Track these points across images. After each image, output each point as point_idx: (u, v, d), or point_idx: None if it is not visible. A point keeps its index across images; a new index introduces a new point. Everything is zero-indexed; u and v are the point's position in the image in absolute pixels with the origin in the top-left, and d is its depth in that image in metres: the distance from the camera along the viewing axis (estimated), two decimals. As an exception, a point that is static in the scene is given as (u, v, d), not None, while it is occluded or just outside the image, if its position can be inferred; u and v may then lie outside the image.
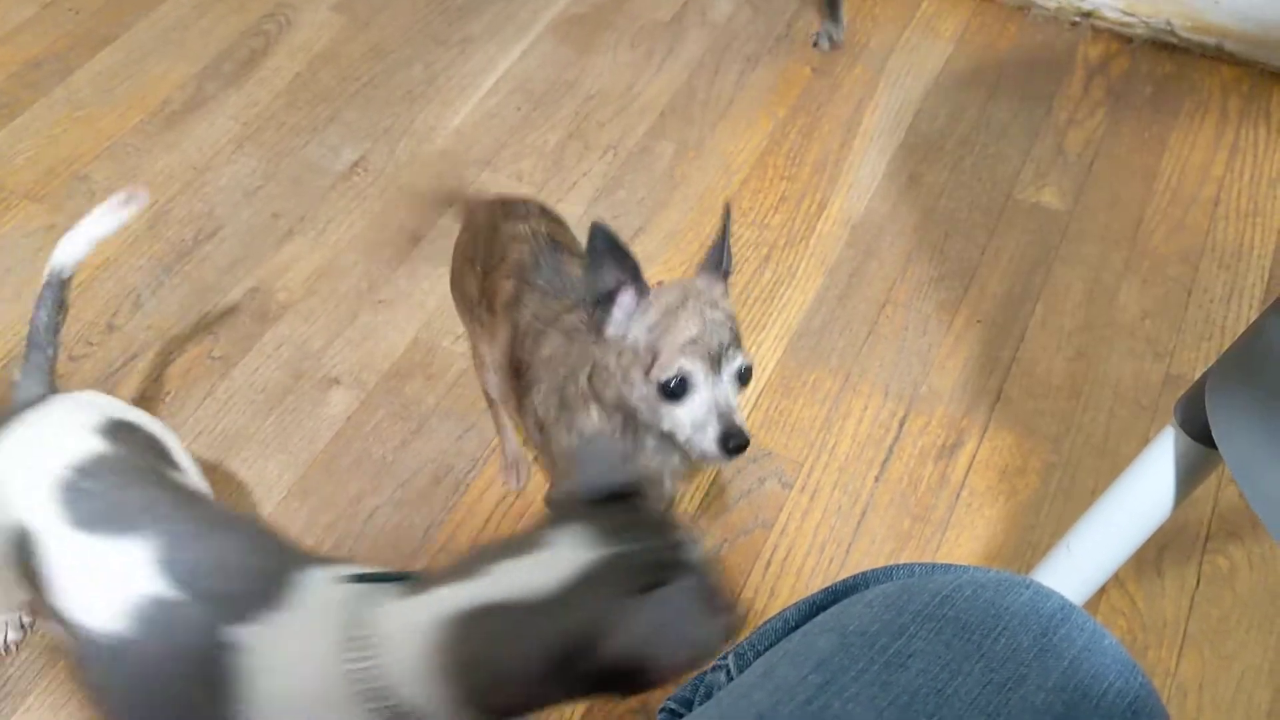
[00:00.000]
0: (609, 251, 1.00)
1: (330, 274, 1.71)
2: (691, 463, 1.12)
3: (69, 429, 1.01)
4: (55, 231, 1.75)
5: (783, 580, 1.38)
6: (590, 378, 1.09)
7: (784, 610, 0.61)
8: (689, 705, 0.64)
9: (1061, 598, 0.55)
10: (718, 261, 1.06)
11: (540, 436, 1.21)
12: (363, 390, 1.58)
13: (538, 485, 1.48)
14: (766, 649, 0.59)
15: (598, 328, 1.05)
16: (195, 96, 1.98)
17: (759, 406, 1.56)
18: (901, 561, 1.39)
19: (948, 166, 1.88)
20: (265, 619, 0.78)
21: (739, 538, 1.43)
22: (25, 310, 1.64)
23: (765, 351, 1.63)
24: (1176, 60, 2.05)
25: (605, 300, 1.03)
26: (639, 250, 1.72)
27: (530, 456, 1.50)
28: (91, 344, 1.62)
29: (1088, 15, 2.11)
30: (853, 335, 1.64)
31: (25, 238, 1.75)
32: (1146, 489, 0.84)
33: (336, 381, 1.58)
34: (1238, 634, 1.34)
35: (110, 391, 1.56)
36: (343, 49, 2.06)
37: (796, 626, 0.58)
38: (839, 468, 1.49)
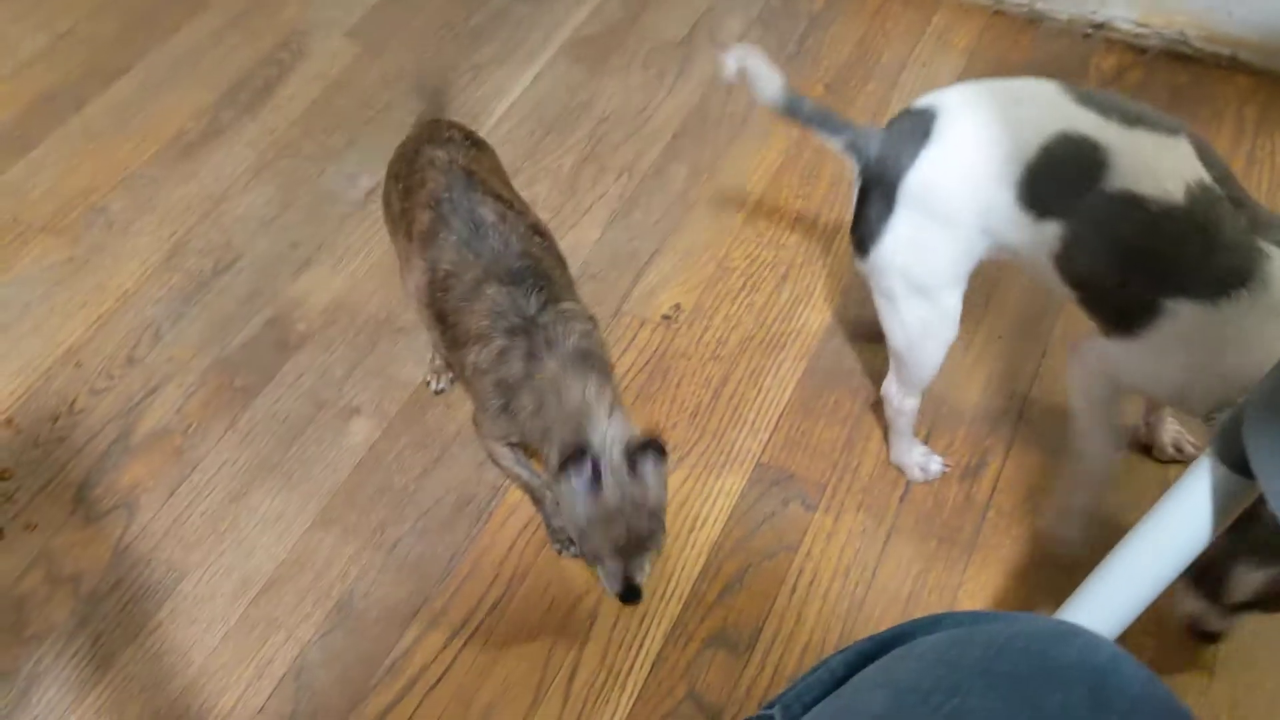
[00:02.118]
0: (582, 462, 1.19)
1: (349, 303, 1.71)
2: None
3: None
4: (73, 264, 1.77)
5: (809, 605, 1.38)
6: (541, 438, 1.28)
7: (829, 659, 0.61)
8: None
9: (1112, 646, 0.54)
10: (661, 450, 1.23)
11: (471, 382, 1.34)
12: (384, 419, 1.58)
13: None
14: (813, 701, 0.58)
15: (558, 474, 1.22)
16: (211, 126, 1.99)
17: (780, 428, 1.56)
18: (931, 579, 1.39)
19: (963, 182, 1.87)
20: None
21: (763, 562, 1.42)
22: (45, 344, 1.66)
23: (785, 372, 1.62)
24: (1191, 71, 2.05)
25: (567, 465, 1.20)
26: (654, 273, 1.74)
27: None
28: (112, 377, 1.62)
29: (1100, 27, 2.11)
30: (873, 354, 1.64)
31: (43, 271, 1.76)
32: (1183, 520, 0.83)
33: (357, 411, 1.58)
34: (1269, 652, 1.33)
35: (132, 425, 1.57)
36: (357, 76, 2.07)
37: (844, 677, 0.58)
38: (863, 489, 1.49)
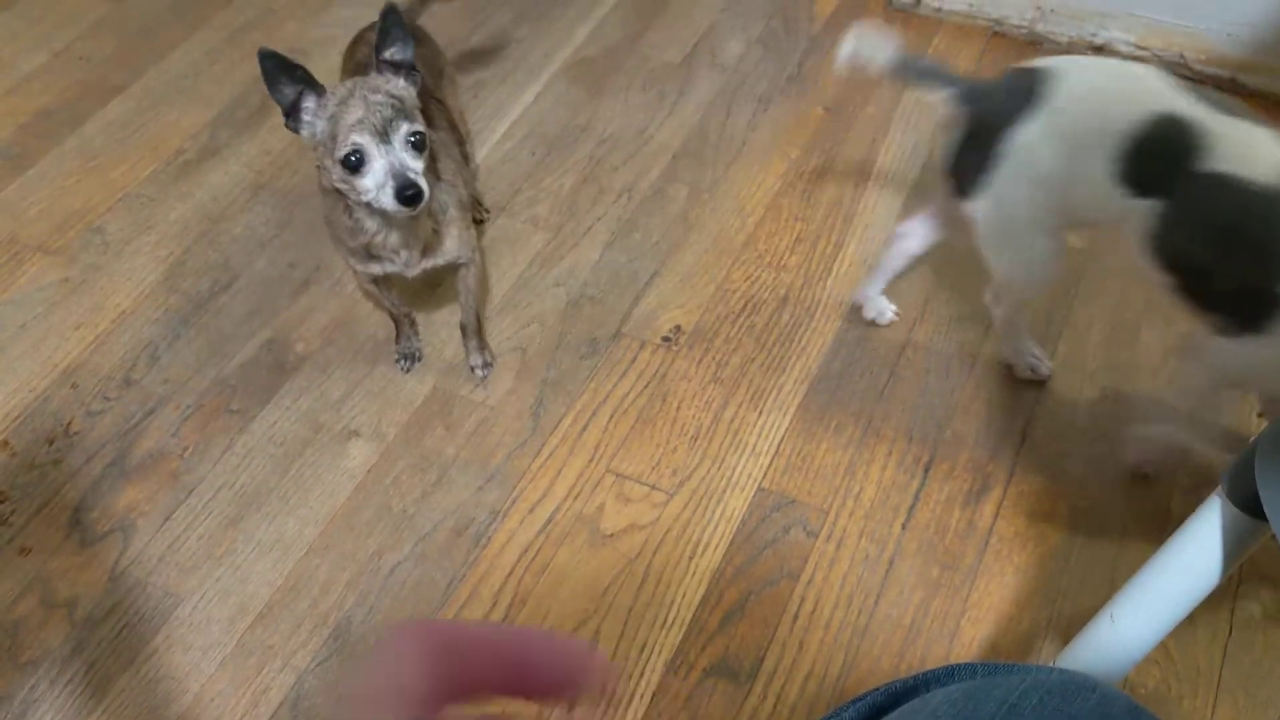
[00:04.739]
0: (279, 69, 1.22)
1: (347, 324, 1.70)
2: (407, 231, 1.38)
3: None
4: (70, 284, 1.75)
5: (811, 634, 1.37)
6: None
7: (841, 710, 0.60)
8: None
9: (1128, 699, 0.53)
10: (379, 49, 1.29)
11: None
12: (382, 442, 1.57)
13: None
14: (827, 755, 0.57)
15: (299, 135, 1.27)
16: (208, 145, 1.98)
17: (781, 452, 1.55)
18: (934, 607, 1.38)
19: (964, 205, 1.87)
20: None
21: (765, 589, 1.41)
22: (42, 366, 1.65)
23: (785, 395, 1.62)
24: (1190, 93, 2.05)
25: (294, 111, 1.25)
26: (654, 295, 1.73)
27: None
28: (109, 399, 1.61)
29: (1100, 49, 2.11)
30: (873, 378, 1.63)
31: (39, 291, 1.75)
32: (1192, 560, 0.83)
33: (356, 433, 1.57)
34: (1272, 680, 1.32)
35: (128, 447, 1.55)
36: (355, 95, 2.06)
37: (858, 730, 0.57)
38: (864, 515, 1.48)
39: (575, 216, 1.86)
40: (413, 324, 1.63)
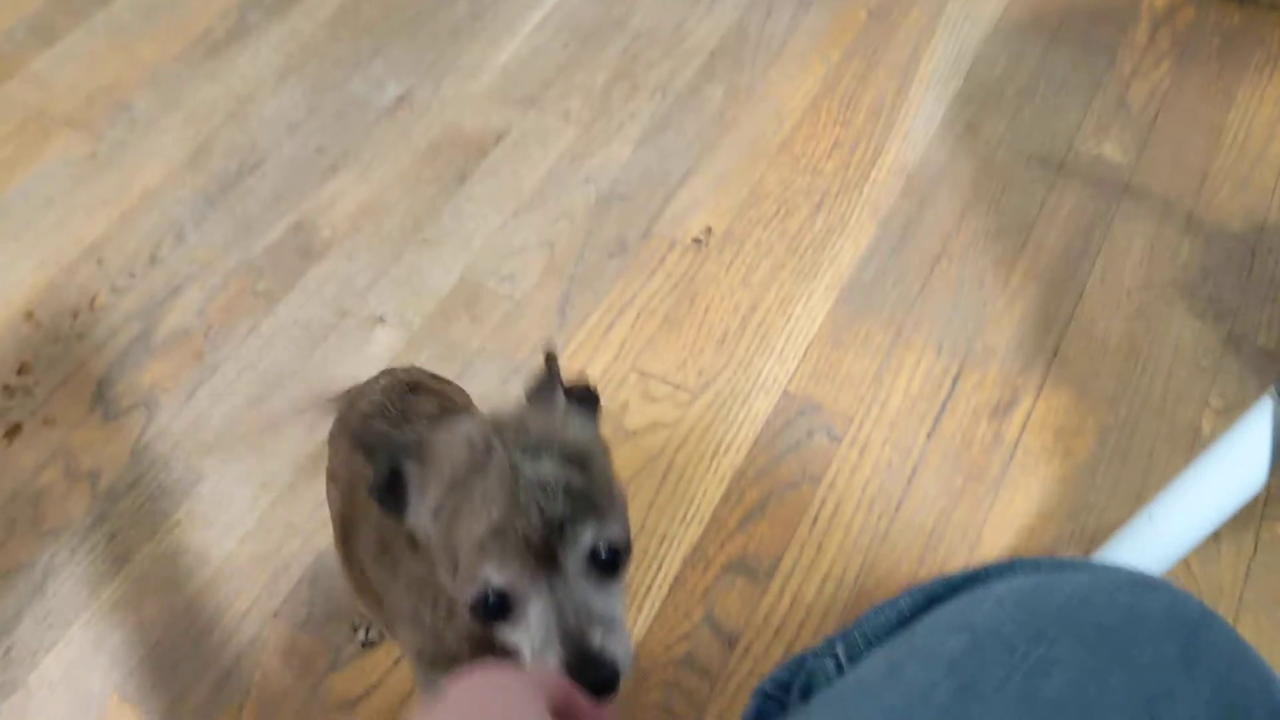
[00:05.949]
0: (371, 443, 0.71)
1: (375, 211, 1.68)
2: None
3: None
4: (97, 161, 1.74)
5: (830, 536, 1.36)
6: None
7: (895, 599, 0.58)
8: (786, 689, 0.62)
9: (1199, 603, 0.52)
10: (551, 388, 0.71)
11: (367, 592, 0.95)
12: (408, 330, 1.56)
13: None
14: (879, 640, 0.56)
15: (403, 526, 0.71)
16: (237, 26, 1.95)
17: (808, 358, 1.53)
18: (956, 516, 1.37)
19: (1006, 116, 1.82)
20: None
21: (786, 492, 1.40)
22: (68, 240, 1.64)
23: (816, 301, 1.60)
24: (1245, 12, 1.98)
25: (393, 490, 0.68)
26: (685, 196, 1.70)
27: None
28: (134, 276, 1.60)
29: (1155, -38, 2.04)
30: (906, 288, 1.61)
31: (67, 166, 1.73)
32: (1239, 461, 0.81)
33: (381, 320, 1.56)
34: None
35: (153, 324, 1.55)
36: (388, -20, 2.02)
37: (912, 617, 0.56)
38: (890, 423, 1.47)
39: (607, 113, 1.83)
40: None
